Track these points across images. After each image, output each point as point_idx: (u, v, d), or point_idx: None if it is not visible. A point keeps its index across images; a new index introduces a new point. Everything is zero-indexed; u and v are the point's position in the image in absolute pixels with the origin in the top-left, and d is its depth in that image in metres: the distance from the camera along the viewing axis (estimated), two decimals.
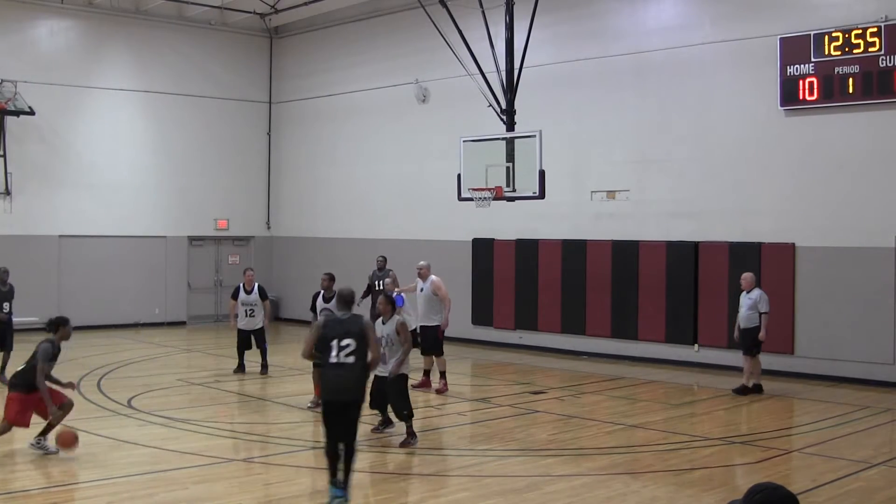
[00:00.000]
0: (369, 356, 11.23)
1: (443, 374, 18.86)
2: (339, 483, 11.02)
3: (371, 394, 13.29)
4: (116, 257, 29.90)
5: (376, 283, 22.64)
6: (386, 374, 13.95)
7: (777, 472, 13.17)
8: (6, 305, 20.08)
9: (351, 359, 11.05)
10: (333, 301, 11.79)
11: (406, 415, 14.15)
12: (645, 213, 23.13)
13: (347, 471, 11.13)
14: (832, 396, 18.71)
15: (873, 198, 19.89)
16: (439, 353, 18.81)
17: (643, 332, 23.03)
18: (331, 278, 18.03)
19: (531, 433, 15.41)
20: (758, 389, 18.89)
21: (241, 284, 21.35)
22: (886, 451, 14.33)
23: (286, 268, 32.77)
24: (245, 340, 21.21)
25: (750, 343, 18.79)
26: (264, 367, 21.08)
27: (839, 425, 16.00)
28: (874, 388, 19.42)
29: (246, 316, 21.11)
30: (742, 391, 18.81)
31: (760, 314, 18.70)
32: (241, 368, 21.25)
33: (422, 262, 19.47)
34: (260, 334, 21.16)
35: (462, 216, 24.91)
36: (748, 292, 18.93)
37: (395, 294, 19.30)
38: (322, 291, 17.84)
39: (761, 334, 18.68)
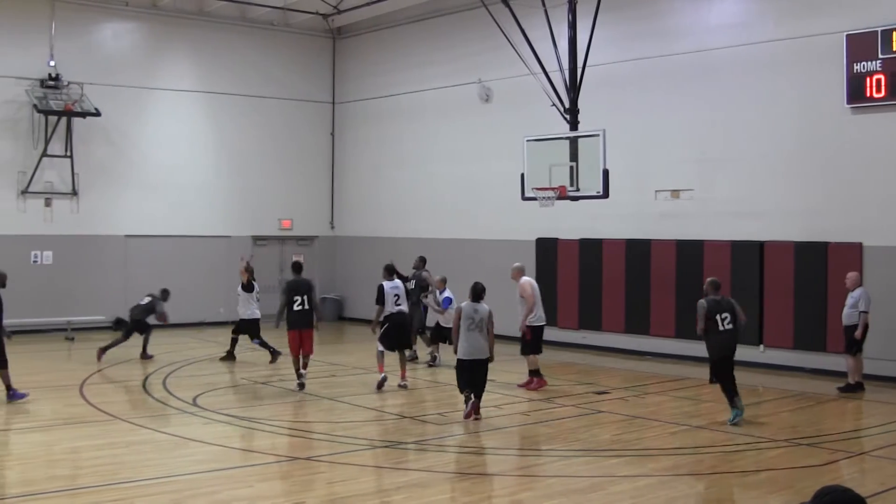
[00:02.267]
0: (740, 321, 16.05)
1: (535, 373, 19.18)
2: (738, 404, 15.79)
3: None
4: (181, 257, 30.13)
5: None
6: (485, 358, 16.07)
7: (845, 474, 13.02)
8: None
9: (731, 325, 15.85)
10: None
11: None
12: (709, 212, 22.95)
13: (736, 392, 15.83)
14: None
15: None
16: (526, 352, 19.21)
17: None
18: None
19: (594, 433, 15.34)
20: (859, 387, 18.84)
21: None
22: None
23: (350, 267, 32.88)
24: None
25: (850, 341, 18.72)
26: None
27: None
28: None
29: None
30: (847, 389, 18.80)
31: (860, 313, 18.58)
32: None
33: (515, 264, 20.03)
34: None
35: (526, 216, 24.87)
36: (852, 291, 18.83)
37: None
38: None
39: (857, 332, 18.58)
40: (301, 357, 18.94)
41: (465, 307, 16.04)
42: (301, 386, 18.63)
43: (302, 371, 18.80)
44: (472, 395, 15.92)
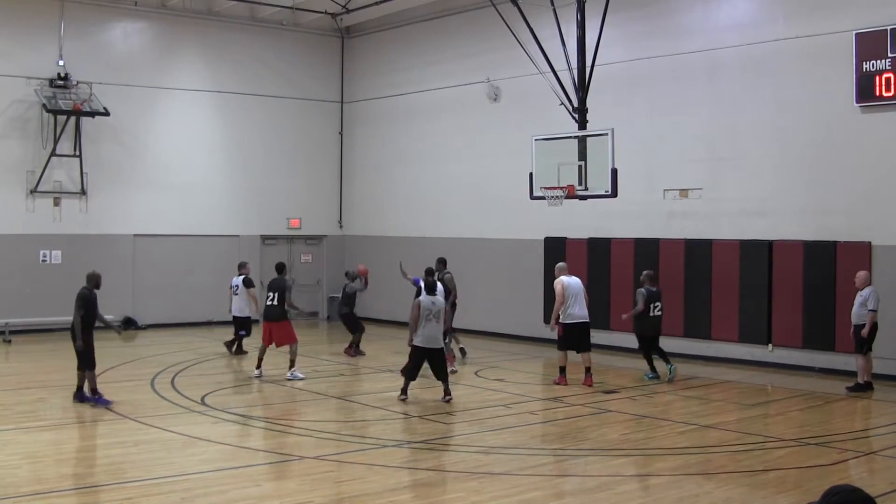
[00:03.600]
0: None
1: (561, 369, 19.62)
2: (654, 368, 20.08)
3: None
4: (190, 256, 30.19)
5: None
6: (440, 347, 17.61)
7: (854, 474, 13.01)
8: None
9: (660, 312, 20.02)
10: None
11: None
12: (718, 211, 22.93)
13: (664, 355, 20.08)
14: None
15: None
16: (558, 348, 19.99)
17: (716, 332, 22.83)
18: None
19: (603, 433, 15.34)
20: (868, 387, 18.78)
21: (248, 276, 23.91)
22: None
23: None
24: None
25: (859, 340, 18.69)
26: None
27: None
28: None
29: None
30: (856, 389, 18.73)
31: (868, 311, 18.54)
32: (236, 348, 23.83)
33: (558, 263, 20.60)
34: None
35: (534, 215, 24.87)
36: (861, 290, 18.80)
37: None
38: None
39: (864, 331, 18.55)
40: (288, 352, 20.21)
41: (423, 300, 17.59)
42: (258, 376, 20.08)
43: (288, 373, 19.93)
44: (409, 383, 17.56)
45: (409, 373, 17.58)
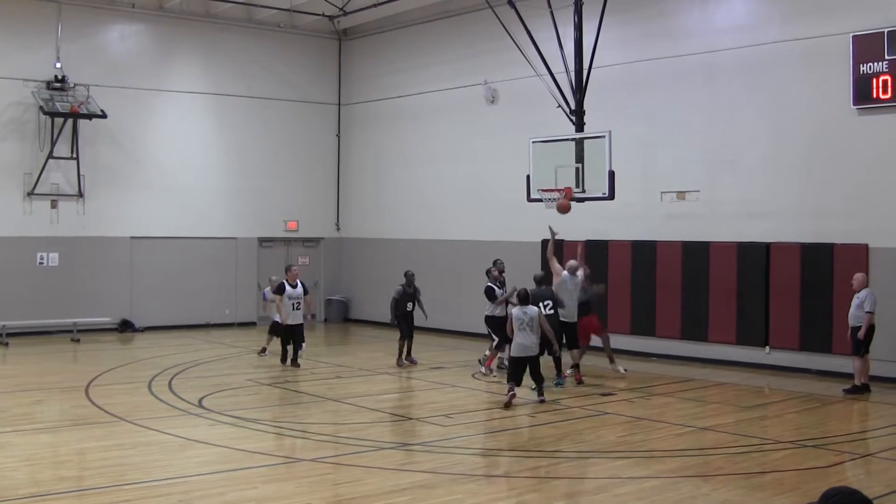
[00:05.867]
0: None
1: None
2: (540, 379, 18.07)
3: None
4: (187, 258, 30.17)
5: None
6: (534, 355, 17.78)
7: (851, 476, 13.01)
8: (409, 304, 22.79)
9: (553, 311, 19.39)
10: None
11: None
12: (715, 213, 22.93)
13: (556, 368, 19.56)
14: None
15: None
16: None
17: (713, 334, 22.83)
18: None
19: (600, 435, 15.34)
20: (865, 389, 18.79)
21: (285, 280, 22.42)
22: None
23: (355, 269, 32.86)
24: (293, 333, 22.36)
25: (856, 343, 18.72)
26: (296, 360, 22.23)
27: None
28: None
29: (294, 309, 22.29)
30: (853, 391, 18.74)
31: (865, 313, 18.55)
32: (286, 359, 22.47)
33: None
34: (302, 328, 22.54)
35: (531, 217, 24.81)
36: (858, 292, 18.82)
37: None
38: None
39: (861, 333, 18.58)
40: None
41: (515, 312, 17.83)
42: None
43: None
44: (515, 388, 17.50)
45: (510, 379, 17.72)
